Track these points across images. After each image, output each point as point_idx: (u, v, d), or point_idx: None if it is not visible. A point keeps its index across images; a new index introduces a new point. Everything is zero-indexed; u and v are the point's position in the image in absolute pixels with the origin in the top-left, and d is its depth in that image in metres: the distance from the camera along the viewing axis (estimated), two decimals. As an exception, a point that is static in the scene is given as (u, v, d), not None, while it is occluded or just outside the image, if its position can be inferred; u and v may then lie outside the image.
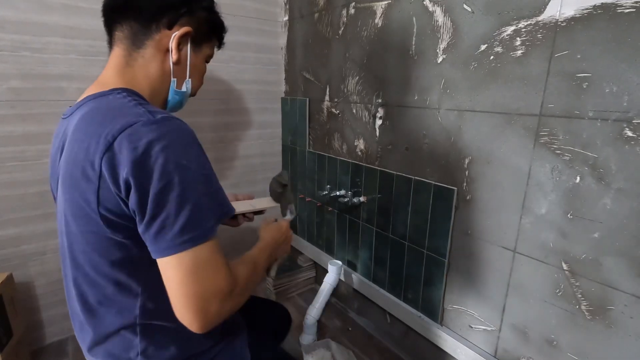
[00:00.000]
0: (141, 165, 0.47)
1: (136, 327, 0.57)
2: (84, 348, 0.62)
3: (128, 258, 0.54)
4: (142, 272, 0.56)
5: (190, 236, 0.49)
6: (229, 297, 0.53)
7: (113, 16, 0.62)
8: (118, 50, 0.62)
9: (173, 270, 0.49)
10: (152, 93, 0.64)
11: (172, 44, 0.62)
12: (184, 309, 0.49)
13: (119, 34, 0.62)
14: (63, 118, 0.62)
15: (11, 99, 1.09)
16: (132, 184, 0.47)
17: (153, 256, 0.50)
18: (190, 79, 0.68)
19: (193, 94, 0.73)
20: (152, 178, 0.47)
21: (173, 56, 0.63)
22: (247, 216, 0.94)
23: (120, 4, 0.61)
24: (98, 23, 1.14)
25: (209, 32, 0.69)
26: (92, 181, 0.49)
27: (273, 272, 0.88)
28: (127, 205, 0.49)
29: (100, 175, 0.48)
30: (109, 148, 0.48)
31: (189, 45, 0.65)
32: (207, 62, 0.75)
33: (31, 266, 1.22)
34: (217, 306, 0.51)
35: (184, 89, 0.68)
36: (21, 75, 1.09)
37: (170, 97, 0.68)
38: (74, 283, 0.58)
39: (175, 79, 0.66)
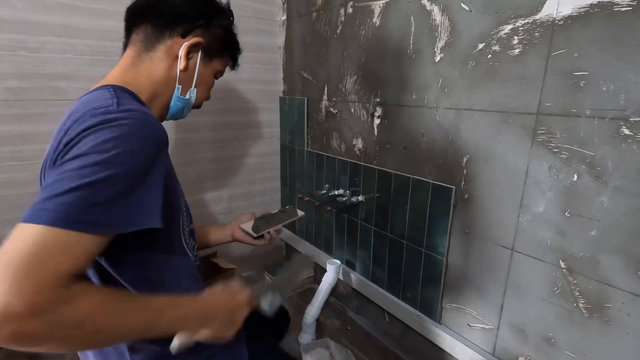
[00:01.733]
0: (71, 143, 0.45)
1: None
2: None
3: (107, 255, 0.51)
4: (122, 266, 0.54)
5: (38, 209, 0.39)
6: (33, 312, 0.35)
7: (133, 19, 0.65)
8: (129, 52, 0.64)
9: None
10: (152, 94, 0.65)
11: (182, 52, 0.64)
12: None
13: (134, 37, 0.65)
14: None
15: (8, 99, 1.09)
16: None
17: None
18: (195, 89, 0.70)
19: (197, 105, 0.74)
20: (71, 154, 0.44)
21: (181, 63, 0.65)
22: (270, 234, 0.90)
23: (142, 7, 0.64)
24: (95, 23, 1.16)
25: (222, 49, 0.72)
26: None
27: (175, 346, 0.52)
28: None
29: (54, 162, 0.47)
30: (65, 134, 0.48)
31: (199, 55, 0.68)
32: (217, 78, 0.77)
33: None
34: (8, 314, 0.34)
35: (187, 96, 0.70)
36: (18, 75, 1.08)
37: (172, 103, 0.69)
38: None
39: (180, 86, 0.67)
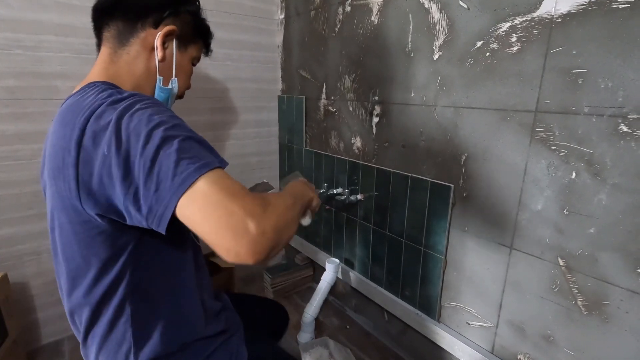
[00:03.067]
0: (111, 138, 0.46)
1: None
2: (80, 339, 0.62)
3: (114, 250, 0.53)
4: (130, 265, 0.55)
5: (187, 172, 0.43)
6: (263, 213, 0.45)
7: (102, 17, 0.64)
8: (104, 49, 0.64)
9: (190, 210, 0.43)
10: (135, 89, 0.64)
11: (157, 42, 0.64)
12: (223, 241, 0.42)
13: (106, 34, 0.64)
14: (53, 120, 0.63)
15: (5, 98, 1.08)
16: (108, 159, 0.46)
17: (161, 223, 0.45)
18: (176, 78, 0.70)
19: (180, 95, 0.74)
20: (129, 143, 0.45)
21: (158, 54, 0.65)
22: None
23: (109, 4, 0.63)
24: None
25: (195, 34, 0.71)
26: (70, 169, 0.49)
27: (307, 221, 0.78)
28: (107, 186, 0.47)
29: (77, 162, 0.48)
30: (82, 133, 0.48)
31: (174, 44, 0.67)
32: (194, 64, 0.76)
33: (26, 266, 1.21)
34: (255, 223, 0.43)
35: (169, 86, 0.70)
36: (15, 74, 1.08)
37: (156, 94, 0.69)
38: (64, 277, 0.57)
39: (161, 77, 0.67)
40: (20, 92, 1.10)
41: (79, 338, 0.61)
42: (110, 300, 0.56)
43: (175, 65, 0.69)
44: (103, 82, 0.58)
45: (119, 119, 0.47)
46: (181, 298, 0.63)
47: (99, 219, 0.50)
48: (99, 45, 0.66)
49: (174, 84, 0.70)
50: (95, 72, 0.63)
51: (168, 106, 0.73)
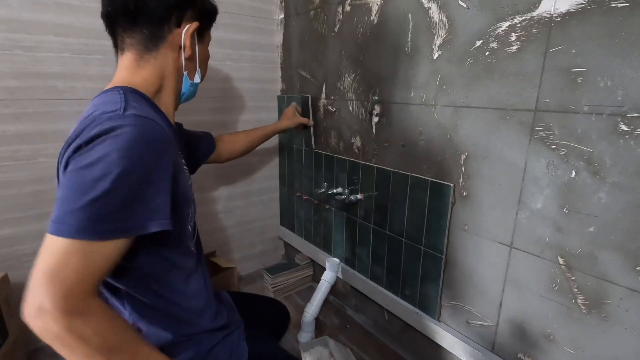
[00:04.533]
0: (80, 150, 0.48)
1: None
2: None
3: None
4: (133, 261, 0.56)
5: (60, 223, 0.45)
6: (59, 313, 0.43)
7: (121, 25, 0.62)
8: (129, 55, 0.63)
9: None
10: (163, 89, 0.65)
11: (186, 41, 0.64)
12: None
13: (129, 40, 0.62)
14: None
15: (4, 98, 1.08)
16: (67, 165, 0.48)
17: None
18: (199, 69, 0.72)
19: (201, 80, 0.75)
20: (81, 162, 0.47)
21: (186, 52, 0.65)
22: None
23: (130, 12, 0.60)
24: (91, 21, 1.15)
25: (208, 19, 0.71)
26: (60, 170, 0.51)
27: None
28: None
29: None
30: (76, 137, 0.50)
31: (195, 37, 0.67)
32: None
33: (27, 266, 1.21)
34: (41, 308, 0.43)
35: (197, 79, 0.72)
36: (14, 74, 1.08)
37: (185, 90, 0.70)
38: None
39: (186, 72, 0.68)
40: (20, 92, 1.10)
41: None
42: (118, 291, 0.58)
43: (199, 57, 0.70)
44: (124, 88, 0.58)
45: (95, 137, 0.48)
46: (185, 288, 0.64)
47: None
48: (117, 48, 0.65)
49: (198, 75, 0.72)
50: (121, 77, 0.62)
51: (194, 96, 0.76)
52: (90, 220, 0.45)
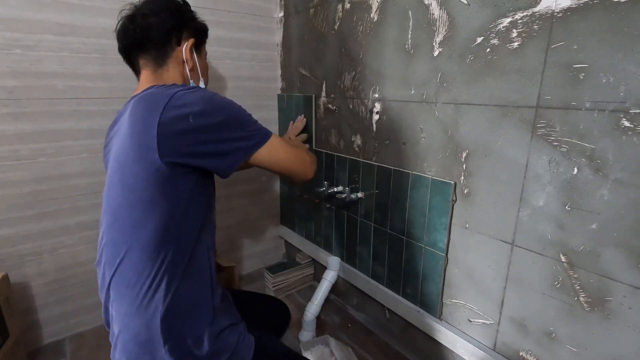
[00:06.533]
0: (201, 115, 0.64)
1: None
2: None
3: (165, 226, 0.63)
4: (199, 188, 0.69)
5: (266, 136, 0.75)
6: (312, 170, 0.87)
7: (134, 52, 0.78)
8: (146, 71, 0.78)
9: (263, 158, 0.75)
10: None
11: (187, 55, 0.80)
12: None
13: (143, 62, 0.78)
14: (113, 122, 0.76)
15: (3, 98, 1.08)
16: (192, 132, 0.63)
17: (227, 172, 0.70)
18: (202, 78, 0.86)
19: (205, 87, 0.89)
20: (207, 118, 0.64)
21: (188, 65, 0.81)
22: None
23: (139, 40, 0.76)
24: (91, 20, 1.15)
25: (202, 35, 0.87)
26: (152, 145, 0.61)
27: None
28: (190, 154, 0.63)
29: (159, 138, 0.61)
30: (163, 113, 0.61)
31: (194, 52, 0.83)
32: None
33: (27, 266, 1.21)
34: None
35: (201, 85, 0.86)
36: (13, 74, 1.08)
37: None
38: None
39: (192, 80, 0.83)
40: (19, 91, 1.10)
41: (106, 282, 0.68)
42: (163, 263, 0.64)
43: (200, 68, 0.85)
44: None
45: (195, 102, 0.65)
46: (206, 259, 0.71)
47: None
48: (134, 68, 0.81)
49: (202, 84, 0.87)
50: (147, 85, 0.75)
51: None
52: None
